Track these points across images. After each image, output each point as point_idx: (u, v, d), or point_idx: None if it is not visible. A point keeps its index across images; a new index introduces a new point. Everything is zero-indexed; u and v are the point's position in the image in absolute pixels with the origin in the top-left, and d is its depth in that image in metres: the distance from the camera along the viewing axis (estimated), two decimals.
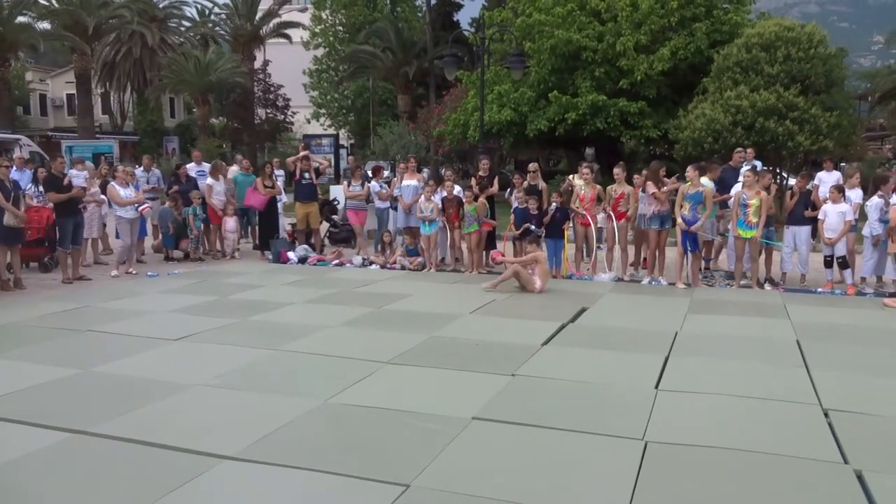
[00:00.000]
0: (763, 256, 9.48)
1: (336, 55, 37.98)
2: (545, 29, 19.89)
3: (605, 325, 7.07)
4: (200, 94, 32.04)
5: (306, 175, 11.96)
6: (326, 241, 13.25)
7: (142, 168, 12.88)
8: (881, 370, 5.47)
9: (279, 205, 12.55)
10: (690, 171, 9.07)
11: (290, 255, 11.48)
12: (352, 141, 41.80)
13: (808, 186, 9.63)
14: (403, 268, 10.70)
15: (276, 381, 5.13)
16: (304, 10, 39.47)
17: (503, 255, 9.91)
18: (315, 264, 11.18)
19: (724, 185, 9.86)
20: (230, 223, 12.02)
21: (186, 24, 39.72)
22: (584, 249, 10.24)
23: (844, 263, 9.03)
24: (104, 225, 11.66)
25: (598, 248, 10.24)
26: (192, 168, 12.96)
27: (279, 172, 13.10)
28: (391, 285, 9.28)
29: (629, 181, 9.96)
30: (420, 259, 10.78)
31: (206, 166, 12.91)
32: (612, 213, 9.76)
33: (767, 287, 9.14)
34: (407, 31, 33.32)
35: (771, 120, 16.12)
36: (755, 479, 3.54)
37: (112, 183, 10.45)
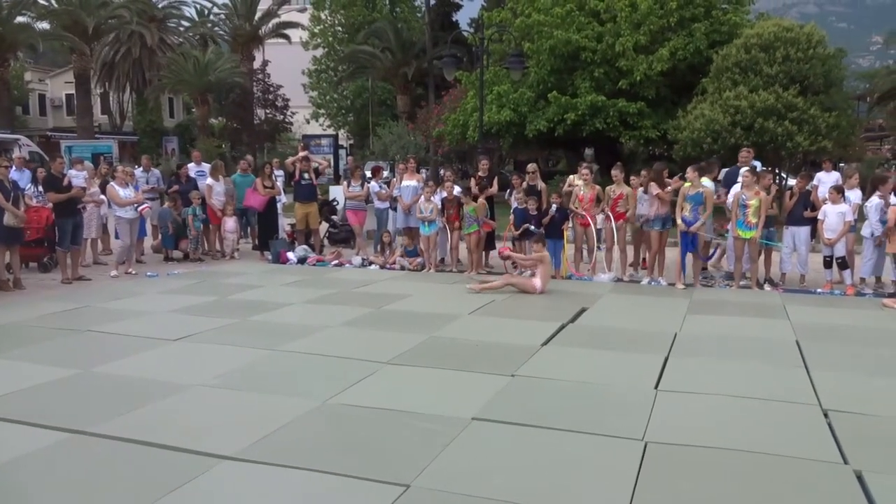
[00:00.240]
0: (762, 257, 9.48)
1: (335, 55, 38.00)
2: (544, 29, 19.89)
3: (605, 325, 7.07)
4: (199, 95, 32.04)
5: (306, 175, 11.96)
6: (326, 242, 13.25)
7: (141, 168, 12.87)
8: (881, 370, 5.48)
9: (278, 205, 12.55)
10: (691, 173, 9.07)
11: (290, 255, 11.47)
12: (351, 141, 41.82)
13: (808, 187, 9.63)
14: (403, 268, 10.70)
15: (275, 382, 5.13)
16: (303, 10, 39.49)
17: (511, 251, 9.79)
18: (314, 265, 11.17)
19: (731, 185, 9.78)
20: (229, 223, 12.02)
21: (185, 24, 39.72)
22: (584, 250, 10.24)
23: (844, 264, 9.03)
24: (104, 225, 11.66)
25: (598, 248, 10.25)
26: (191, 168, 12.95)
27: (278, 173, 13.10)
28: (390, 286, 9.28)
29: (627, 182, 9.97)
30: (419, 259, 10.79)
31: (206, 166, 12.90)
32: (610, 213, 9.76)
33: (767, 287, 9.14)
34: (406, 31, 33.34)
35: (770, 120, 16.13)
36: (755, 480, 3.55)
37: (111, 183, 10.45)
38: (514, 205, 10.35)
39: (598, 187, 10.17)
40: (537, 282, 8.70)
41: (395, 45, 32.09)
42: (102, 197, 10.97)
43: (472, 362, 5.60)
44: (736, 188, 9.44)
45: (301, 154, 12.48)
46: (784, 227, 9.49)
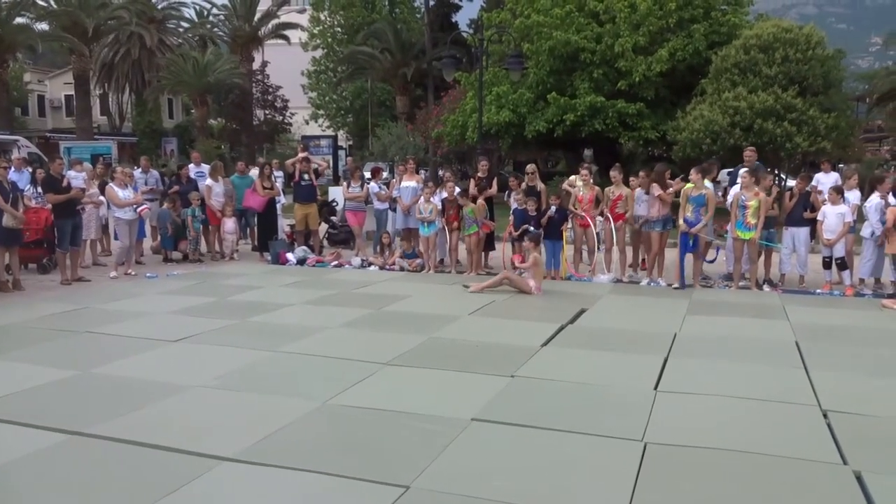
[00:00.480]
0: (762, 257, 9.49)
1: (334, 56, 38.04)
2: (543, 30, 19.91)
3: (605, 326, 7.07)
4: (199, 96, 32.06)
5: (305, 176, 11.95)
6: (325, 243, 13.25)
7: (140, 170, 12.86)
8: (880, 371, 5.48)
9: (278, 206, 12.54)
10: (694, 174, 9.07)
11: (289, 256, 11.47)
12: (350, 142, 41.83)
13: (807, 188, 9.64)
14: (402, 269, 10.70)
15: (275, 383, 5.13)
16: (302, 11, 39.51)
17: (522, 261, 9.57)
18: (314, 265, 11.17)
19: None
20: (228, 224, 12.01)
21: (185, 25, 39.77)
22: (584, 251, 10.24)
23: (843, 264, 9.04)
24: (103, 226, 11.65)
25: (597, 250, 10.24)
26: (190, 169, 12.94)
27: (278, 174, 13.09)
28: (390, 286, 9.28)
29: (626, 183, 9.96)
30: (419, 260, 10.79)
31: (205, 167, 12.90)
32: (609, 214, 9.76)
33: (766, 288, 9.15)
34: (405, 32, 33.37)
35: (769, 121, 16.15)
36: (754, 480, 3.55)
37: (110, 184, 10.44)
38: (514, 206, 10.35)
39: (597, 188, 10.17)
40: (532, 281, 8.71)
41: (395, 46, 32.11)
42: (101, 198, 10.97)
43: (472, 363, 5.60)
44: (735, 189, 9.45)
45: (301, 155, 12.48)
46: (783, 227, 9.49)
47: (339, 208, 14.10)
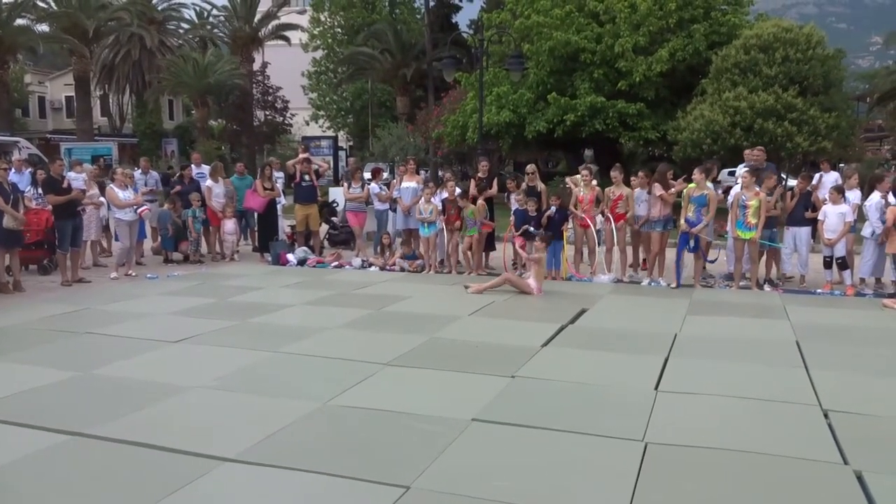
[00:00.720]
0: (765, 257, 9.49)
1: (335, 57, 38.07)
2: (543, 30, 19.93)
3: (605, 326, 7.07)
4: (199, 97, 32.08)
5: (306, 177, 11.96)
6: (325, 243, 13.25)
7: (139, 171, 12.87)
8: (881, 370, 5.47)
9: (278, 207, 12.55)
10: (697, 174, 9.06)
11: (290, 256, 11.47)
12: (351, 143, 41.85)
13: (808, 187, 9.64)
14: (403, 269, 10.70)
15: (275, 384, 5.13)
16: (302, 12, 39.54)
17: (523, 247, 9.50)
18: (314, 266, 11.17)
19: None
20: (228, 225, 12.02)
21: (185, 26, 39.79)
22: (584, 251, 10.24)
23: (844, 264, 9.04)
24: (104, 227, 11.66)
25: (598, 250, 10.24)
26: (191, 170, 12.95)
27: (278, 174, 13.10)
28: (390, 287, 9.28)
29: (627, 183, 9.96)
30: (419, 261, 10.79)
31: (206, 168, 12.91)
32: (610, 214, 9.76)
33: (767, 288, 9.14)
34: (405, 32, 33.40)
35: (769, 121, 16.16)
36: (755, 480, 3.54)
37: (111, 185, 10.45)
38: (514, 206, 10.35)
39: (597, 188, 10.17)
40: (533, 282, 8.71)
41: (395, 47, 32.14)
42: (102, 199, 10.98)
43: (472, 363, 5.60)
44: (736, 188, 9.44)
45: (302, 156, 12.49)
46: (785, 227, 9.49)
47: (339, 209, 14.11)
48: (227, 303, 8.17)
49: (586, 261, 10.31)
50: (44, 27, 33.33)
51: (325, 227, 13.49)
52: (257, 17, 35.69)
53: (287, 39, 37.12)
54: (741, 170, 9.86)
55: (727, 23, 19.90)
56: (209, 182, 12.14)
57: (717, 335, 6.65)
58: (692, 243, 9.07)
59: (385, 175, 16.41)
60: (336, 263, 11.26)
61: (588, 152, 18.89)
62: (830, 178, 11.35)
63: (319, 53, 38.79)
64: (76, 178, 10.98)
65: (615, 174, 9.95)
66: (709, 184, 9.38)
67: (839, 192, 9.15)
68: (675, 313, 7.53)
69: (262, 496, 3.42)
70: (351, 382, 5.07)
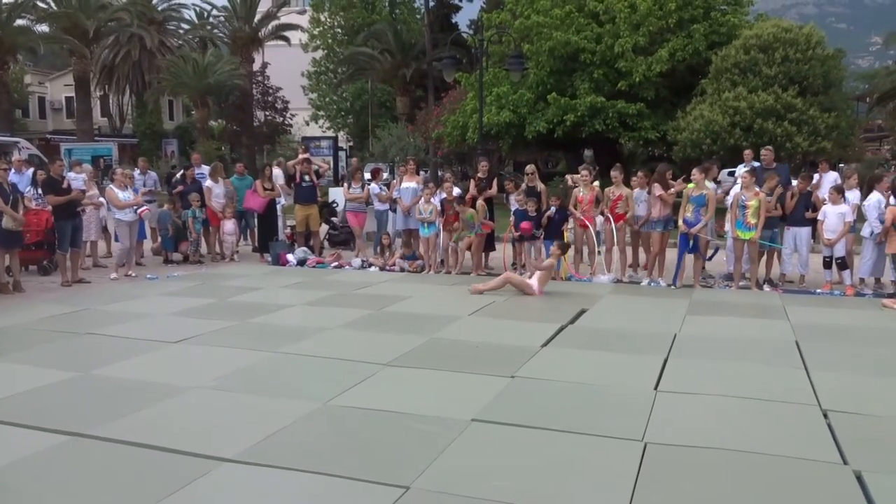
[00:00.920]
0: (765, 257, 9.49)
1: (335, 57, 38.05)
2: (543, 31, 19.93)
3: (605, 326, 7.07)
4: (199, 97, 32.08)
5: (306, 178, 11.96)
6: (325, 244, 13.26)
7: (138, 171, 12.86)
8: (880, 370, 5.48)
9: (278, 207, 12.55)
10: (697, 174, 9.06)
11: (290, 257, 11.47)
12: (351, 143, 41.84)
13: (808, 187, 9.64)
14: (402, 270, 10.70)
15: (275, 384, 5.13)
16: (302, 12, 39.52)
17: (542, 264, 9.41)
18: (314, 266, 11.17)
19: (760, 184, 9.67)
20: (228, 225, 12.02)
21: (185, 26, 39.77)
22: (584, 251, 10.24)
23: (843, 264, 9.04)
24: (104, 228, 11.66)
25: (597, 252, 10.24)
26: None
27: (277, 173, 13.08)
28: (390, 287, 9.28)
29: (627, 183, 9.96)
30: (419, 261, 10.79)
31: (206, 168, 12.92)
32: (609, 214, 9.77)
33: (766, 288, 9.15)
34: (405, 33, 33.38)
35: (769, 121, 16.17)
36: (754, 480, 3.55)
37: (110, 186, 10.45)
38: (514, 206, 10.35)
39: (597, 188, 10.17)
40: (534, 283, 8.70)
41: (395, 47, 32.13)
42: (101, 199, 10.98)
43: (472, 364, 5.60)
44: (736, 188, 9.45)
45: (302, 156, 12.49)
46: (785, 227, 9.49)
47: (339, 209, 14.12)
48: (227, 303, 8.18)
49: (586, 261, 10.31)
50: (44, 27, 33.34)
51: (324, 228, 13.49)
52: (257, 17, 35.67)
53: (287, 40, 37.11)
54: (741, 170, 9.87)
55: (727, 23, 19.91)
56: (209, 182, 12.14)
57: (717, 335, 6.65)
58: (692, 244, 9.07)
59: (385, 175, 16.42)
60: (336, 264, 11.26)
61: (588, 152, 18.91)
62: (830, 178, 11.35)
63: (319, 54, 38.78)
64: (76, 179, 10.99)
65: (615, 174, 9.95)
66: (709, 183, 9.38)
67: (839, 192, 9.16)
68: (674, 313, 7.53)
69: (262, 496, 3.42)
70: (351, 383, 5.07)
